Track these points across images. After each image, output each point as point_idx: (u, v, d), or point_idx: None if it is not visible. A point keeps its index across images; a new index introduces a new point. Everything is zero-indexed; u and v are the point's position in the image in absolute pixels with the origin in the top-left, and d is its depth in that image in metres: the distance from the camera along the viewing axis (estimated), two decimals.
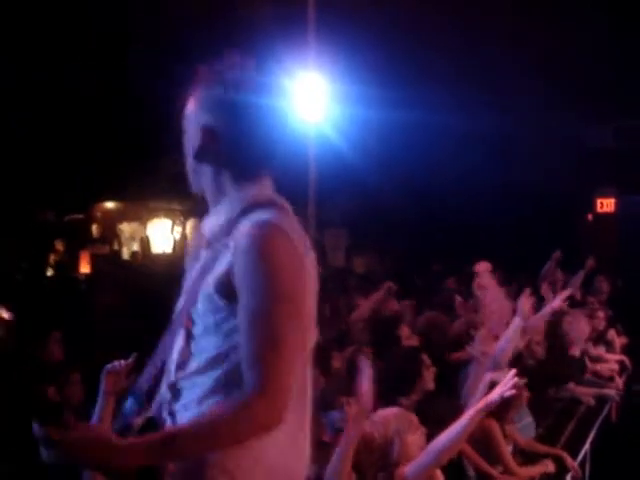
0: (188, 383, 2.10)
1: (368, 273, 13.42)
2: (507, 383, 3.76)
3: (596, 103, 12.85)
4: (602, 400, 6.94)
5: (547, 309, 5.87)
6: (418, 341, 5.90)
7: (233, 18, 10.34)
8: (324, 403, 3.93)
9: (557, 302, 5.73)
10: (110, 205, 18.65)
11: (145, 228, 18.85)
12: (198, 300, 2.08)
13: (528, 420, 5.57)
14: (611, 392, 7.15)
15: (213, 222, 2.16)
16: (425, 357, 4.67)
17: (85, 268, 15.35)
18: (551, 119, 13.27)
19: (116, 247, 17.98)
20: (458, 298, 7.22)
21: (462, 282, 9.06)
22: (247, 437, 1.94)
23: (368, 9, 11.14)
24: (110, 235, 18.10)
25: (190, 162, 2.22)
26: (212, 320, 2.06)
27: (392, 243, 14.44)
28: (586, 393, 6.91)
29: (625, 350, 8.42)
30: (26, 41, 10.61)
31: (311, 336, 2.15)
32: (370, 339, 6.18)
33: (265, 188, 2.17)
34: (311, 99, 9.04)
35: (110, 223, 18.46)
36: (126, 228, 18.72)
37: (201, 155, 2.17)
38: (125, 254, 17.84)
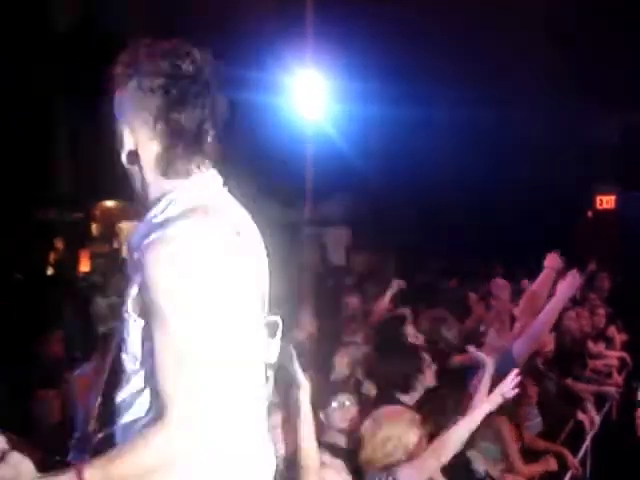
0: (124, 405, 2.04)
1: (368, 272, 13.40)
2: (509, 382, 3.77)
3: (597, 100, 12.83)
4: (602, 397, 6.94)
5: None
6: (424, 340, 5.88)
7: (232, 15, 10.33)
8: (323, 403, 3.92)
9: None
10: (109, 204, 18.61)
11: None
12: (126, 316, 2.01)
13: (537, 420, 5.57)
14: (611, 389, 7.15)
15: (138, 232, 2.05)
16: (426, 355, 4.67)
17: (85, 267, 15.33)
18: (552, 116, 13.26)
19: (116, 245, 17.95)
20: (473, 295, 7.15)
21: (464, 281, 9.05)
22: (149, 468, 1.89)
23: (367, 5, 11.13)
24: (110, 234, 18.07)
25: (125, 157, 2.11)
26: (135, 338, 1.99)
27: (393, 241, 14.42)
28: (586, 390, 6.91)
29: (625, 347, 8.42)
30: (25, 39, 10.58)
31: (250, 339, 2.06)
32: (375, 338, 6.17)
33: (203, 184, 2.05)
34: (310, 96, 9.03)
35: (110, 222, 18.42)
36: (126, 226, 18.69)
37: (129, 158, 2.08)
38: (125, 252, 17.83)
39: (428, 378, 4.59)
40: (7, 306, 9.01)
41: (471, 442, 4.10)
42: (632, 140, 14.19)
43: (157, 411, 1.90)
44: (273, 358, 2.20)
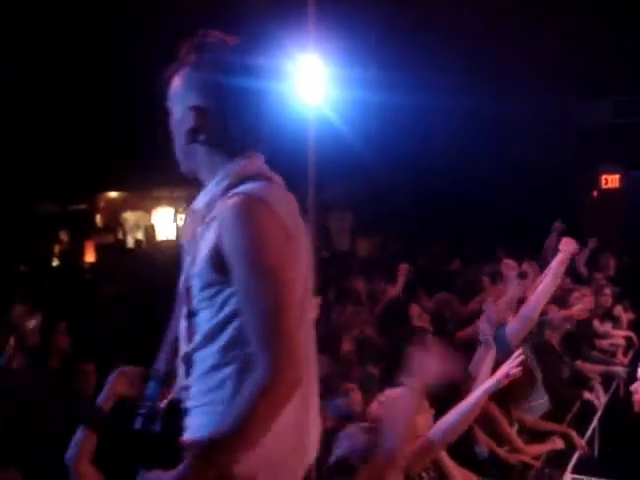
0: (196, 357, 2.13)
1: (371, 256, 13.43)
2: (513, 362, 3.76)
3: (596, 78, 12.78)
4: (609, 377, 6.94)
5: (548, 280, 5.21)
6: (429, 321, 5.88)
7: (232, 2, 10.30)
8: (329, 389, 3.92)
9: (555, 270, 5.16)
10: (113, 194, 18.66)
11: (149, 216, 18.89)
12: (194, 275, 2.11)
13: (542, 400, 5.56)
14: (618, 369, 7.14)
15: (203, 198, 2.17)
16: (430, 337, 4.67)
17: (90, 257, 15.38)
18: (553, 97, 13.22)
19: (120, 236, 18.00)
20: (486, 279, 7.10)
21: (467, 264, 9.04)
22: (275, 411, 1.95)
23: None
24: (114, 224, 18.13)
25: (180, 143, 2.23)
26: (206, 293, 2.09)
27: (396, 225, 14.42)
28: (593, 370, 6.90)
29: (632, 326, 8.41)
30: (27, 35, 10.56)
31: (308, 308, 2.16)
32: (381, 318, 6.19)
33: (254, 162, 2.19)
34: (311, 82, 8.98)
35: (114, 212, 18.49)
36: (130, 217, 18.74)
37: (193, 135, 2.18)
38: (130, 243, 17.87)
39: None
40: (12, 298, 9.02)
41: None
42: (634, 118, 14.11)
43: (259, 364, 1.94)
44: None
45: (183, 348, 2.18)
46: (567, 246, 5.13)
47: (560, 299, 6.65)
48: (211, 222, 2.07)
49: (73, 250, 15.71)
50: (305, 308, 2.14)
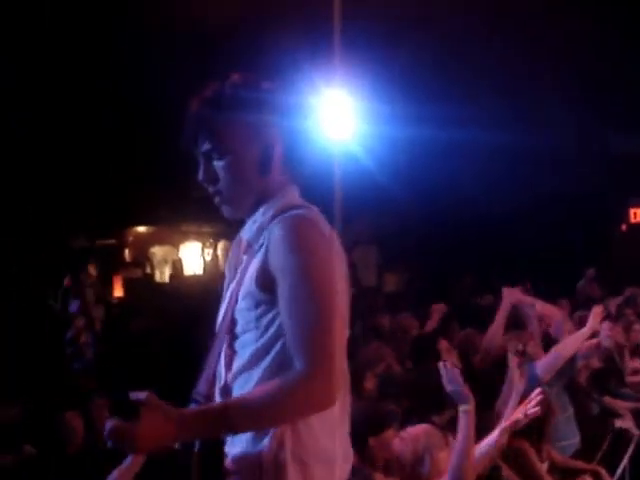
0: (238, 381, 2.15)
1: (398, 291, 13.40)
2: (532, 401, 3.74)
3: (628, 110, 12.73)
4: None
5: (585, 330, 5.53)
6: (457, 356, 5.85)
7: (259, 35, 10.41)
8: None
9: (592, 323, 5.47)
10: (142, 229, 18.79)
11: (177, 251, 18.99)
12: (239, 299, 2.15)
13: (574, 440, 5.49)
14: None
15: (250, 227, 2.24)
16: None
17: (118, 292, 15.48)
18: (581, 129, 13.19)
19: (149, 270, 18.10)
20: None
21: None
22: (300, 415, 2.02)
23: (396, 25, 11.15)
24: (142, 259, 18.24)
25: (228, 184, 2.24)
26: (253, 315, 2.12)
27: (423, 260, 14.39)
28: (623, 406, 6.80)
29: None
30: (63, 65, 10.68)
31: (345, 332, 2.19)
32: (410, 355, 6.16)
33: (294, 194, 2.27)
34: (338, 117, 9.05)
35: (142, 247, 18.60)
36: (158, 251, 18.85)
37: (249, 174, 2.22)
38: (158, 277, 17.97)
39: None
40: (42, 333, 9.11)
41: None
42: None
43: (303, 365, 1.97)
44: None
45: (222, 378, 2.20)
46: (595, 317, 5.28)
47: None
48: (259, 248, 2.13)
49: (101, 284, 15.82)
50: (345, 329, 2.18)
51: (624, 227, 15.51)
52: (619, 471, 5.48)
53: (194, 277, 17.92)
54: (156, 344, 8.14)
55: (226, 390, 2.17)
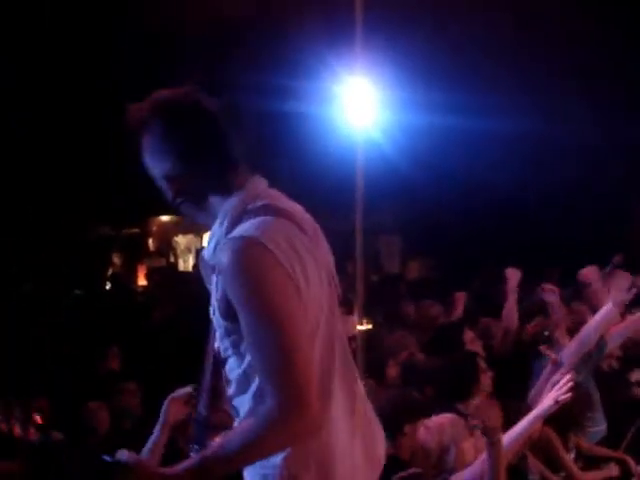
0: (236, 402, 2.15)
1: (422, 279, 13.36)
2: (562, 387, 3.71)
3: None
4: None
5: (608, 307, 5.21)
6: (481, 346, 5.83)
7: (280, 26, 10.38)
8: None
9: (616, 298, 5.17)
10: (165, 218, 18.85)
11: (201, 240, 19.04)
12: (215, 326, 2.15)
13: (601, 427, 5.45)
14: None
15: (210, 246, 2.18)
16: (482, 362, 4.62)
17: (142, 281, 15.56)
18: (606, 120, 13.05)
19: (172, 259, 18.18)
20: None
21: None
22: (282, 449, 2.00)
23: (416, 13, 11.09)
24: (166, 248, 18.32)
25: (172, 202, 2.26)
26: (228, 342, 2.10)
27: (446, 247, 14.34)
28: None
29: None
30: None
31: (333, 325, 2.14)
32: (433, 343, 6.14)
33: (252, 189, 2.16)
34: (359, 105, 9.02)
35: (166, 236, 18.67)
36: (181, 240, 18.92)
37: (177, 201, 2.23)
38: (181, 266, 18.04)
39: (484, 385, 4.54)
40: (66, 321, 9.17)
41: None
42: None
43: (272, 400, 1.95)
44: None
45: (228, 395, 2.21)
46: (622, 295, 5.13)
47: None
48: (217, 270, 2.07)
49: (125, 273, 15.92)
50: (330, 327, 2.13)
51: None
52: None
53: None
54: (179, 332, 8.18)
55: (234, 407, 2.17)
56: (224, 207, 2.13)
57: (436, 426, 3.64)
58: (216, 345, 2.18)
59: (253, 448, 1.95)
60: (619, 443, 5.46)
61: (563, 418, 4.49)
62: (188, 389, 3.34)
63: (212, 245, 2.14)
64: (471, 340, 5.85)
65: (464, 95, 11.02)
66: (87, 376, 6.25)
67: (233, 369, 2.11)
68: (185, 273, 16.92)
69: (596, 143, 13.40)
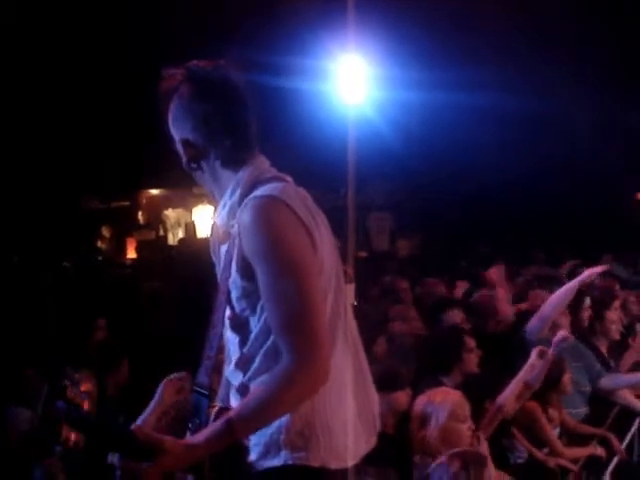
0: (247, 366, 2.19)
1: (412, 256, 13.38)
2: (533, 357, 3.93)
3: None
4: None
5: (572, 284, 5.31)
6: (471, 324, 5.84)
7: (275, 2, 10.34)
8: None
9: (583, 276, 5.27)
10: (155, 192, 18.82)
11: (190, 214, 19.01)
12: (231, 288, 2.18)
13: (582, 409, 5.49)
14: None
15: (222, 212, 2.25)
16: (469, 339, 4.64)
17: (131, 254, 15.55)
18: (598, 101, 13.04)
19: (162, 233, 18.16)
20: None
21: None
22: (300, 403, 2.07)
23: None
24: (156, 221, 18.29)
25: (185, 165, 2.33)
26: (246, 303, 2.15)
27: (436, 226, 14.36)
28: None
29: None
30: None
31: (339, 297, 2.21)
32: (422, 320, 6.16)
33: (260, 165, 2.26)
34: (352, 81, 9.00)
35: (155, 209, 18.64)
36: (171, 214, 18.88)
37: (190, 165, 2.31)
38: (171, 239, 18.02)
39: (469, 363, 4.57)
40: (55, 293, 9.16)
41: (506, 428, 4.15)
42: None
43: (286, 355, 2.03)
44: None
45: (231, 358, 2.25)
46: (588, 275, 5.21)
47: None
48: (236, 235, 2.13)
49: (115, 246, 15.90)
50: (338, 285, 2.22)
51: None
52: (628, 437, 5.50)
53: (207, 240, 17.96)
54: (167, 305, 8.19)
55: (243, 390, 2.20)
56: (236, 178, 2.21)
57: (439, 401, 3.67)
58: (227, 313, 2.21)
59: (276, 403, 2.02)
60: (603, 421, 5.51)
61: (547, 390, 4.60)
62: (183, 374, 3.39)
63: (225, 212, 2.21)
64: (462, 321, 5.86)
65: (457, 72, 11.00)
66: (74, 348, 6.24)
67: (248, 330, 2.16)
68: (174, 247, 16.91)
69: (587, 126, 13.43)
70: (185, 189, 18.45)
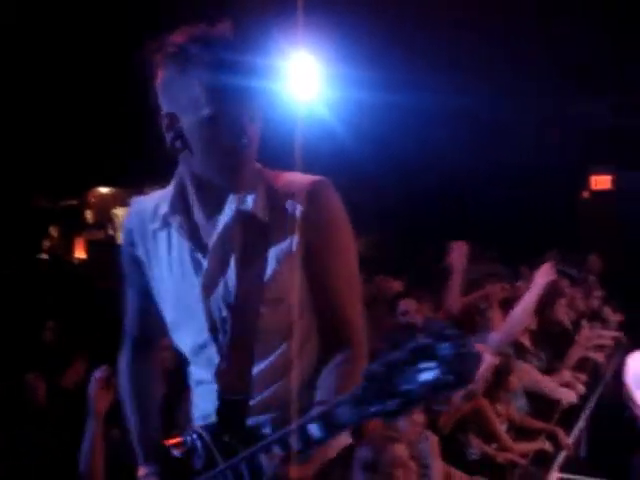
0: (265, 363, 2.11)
1: (366, 256, 13.42)
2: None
3: (591, 79, 12.77)
4: (597, 377, 6.95)
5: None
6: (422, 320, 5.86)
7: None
8: None
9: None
10: (104, 190, 18.60)
11: None
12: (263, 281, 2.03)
13: (522, 402, 5.56)
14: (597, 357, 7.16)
15: (253, 201, 2.10)
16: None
17: (80, 253, 15.35)
18: (544, 97, 13.22)
19: (111, 232, 17.95)
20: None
21: None
22: None
23: None
24: (105, 220, 18.07)
25: (168, 143, 2.17)
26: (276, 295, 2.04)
27: (387, 225, 14.42)
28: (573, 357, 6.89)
29: (621, 327, 8.45)
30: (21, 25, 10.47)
31: None
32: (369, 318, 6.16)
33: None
34: (303, 79, 9.00)
35: (104, 208, 18.42)
36: (121, 213, 18.68)
37: (174, 144, 2.15)
38: (120, 239, 17.84)
39: None
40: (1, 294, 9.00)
41: (463, 425, 4.17)
42: (629, 120, 14.07)
43: (348, 343, 1.99)
44: None
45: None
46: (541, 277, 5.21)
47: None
48: (282, 220, 2.04)
49: (63, 246, 15.66)
50: None
51: (586, 194, 15.65)
52: (575, 431, 5.58)
53: None
54: (120, 305, 8.11)
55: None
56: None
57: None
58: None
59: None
60: (551, 418, 5.59)
61: (494, 386, 4.65)
62: (104, 368, 3.25)
63: (258, 200, 2.09)
64: (415, 310, 5.88)
65: (409, 72, 11.05)
66: (24, 350, 6.15)
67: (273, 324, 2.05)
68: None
69: (545, 120, 13.59)
70: (134, 188, 18.28)
